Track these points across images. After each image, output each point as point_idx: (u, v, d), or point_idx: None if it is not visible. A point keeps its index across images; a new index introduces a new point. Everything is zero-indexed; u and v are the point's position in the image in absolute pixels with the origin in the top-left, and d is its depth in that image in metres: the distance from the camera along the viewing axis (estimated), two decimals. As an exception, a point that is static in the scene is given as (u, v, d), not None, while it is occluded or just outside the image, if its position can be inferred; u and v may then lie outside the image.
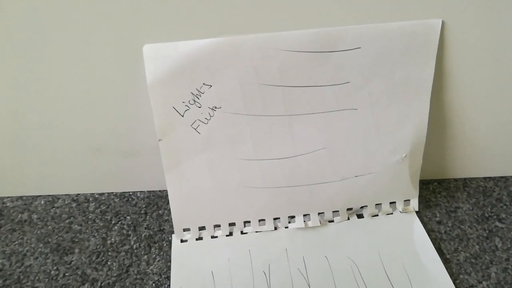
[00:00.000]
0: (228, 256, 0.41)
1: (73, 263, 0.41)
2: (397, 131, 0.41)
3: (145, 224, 0.45)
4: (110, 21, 0.35)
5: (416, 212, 0.44)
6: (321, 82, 0.38)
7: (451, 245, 0.41)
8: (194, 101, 0.38)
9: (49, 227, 0.45)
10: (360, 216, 0.44)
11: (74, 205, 0.47)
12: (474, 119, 0.43)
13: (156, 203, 0.47)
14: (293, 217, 0.43)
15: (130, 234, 0.44)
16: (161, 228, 0.44)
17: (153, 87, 0.37)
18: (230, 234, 0.43)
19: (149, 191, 0.49)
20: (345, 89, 0.39)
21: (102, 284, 0.39)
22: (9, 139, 0.43)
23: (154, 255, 0.41)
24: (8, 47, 0.37)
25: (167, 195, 0.41)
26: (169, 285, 0.39)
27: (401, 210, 0.44)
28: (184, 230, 0.43)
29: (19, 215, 0.46)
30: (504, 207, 0.45)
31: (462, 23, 0.37)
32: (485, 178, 0.49)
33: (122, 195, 0.48)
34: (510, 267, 0.39)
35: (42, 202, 0.48)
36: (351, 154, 0.41)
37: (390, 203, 0.44)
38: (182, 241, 0.42)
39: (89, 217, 0.46)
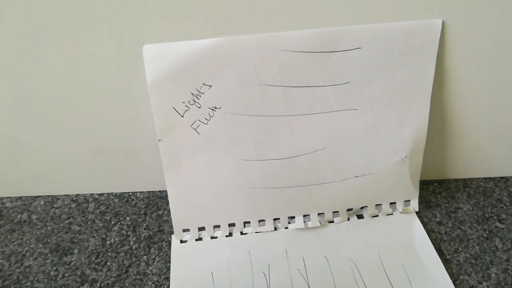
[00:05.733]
0: (227, 256, 0.41)
1: (72, 263, 0.41)
2: (397, 132, 0.41)
3: (145, 224, 0.45)
4: (110, 21, 0.35)
5: (416, 212, 0.44)
6: (322, 82, 0.38)
7: (451, 246, 0.41)
8: (194, 101, 0.38)
9: (49, 227, 0.45)
10: (360, 216, 0.44)
11: (73, 205, 0.47)
12: (475, 119, 0.43)
13: (155, 204, 0.47)
14: (293, 217, 0.43)
15: (130, 235, 0.44)
16: (161, 228, 0.44)
17: (153, 87, 0.37)
18: (230, 234, 0.43)
19: (148, 192, 0.49)
20: (346, 89, 0.38)
21: (102, 285, 0.39)
22: (8, 139, 0.43)
23: (153, 256, 0.41)
24: (8, 47, 0.36)
25: (167, 195, 0.41)
26: (168, 286, 0.38)
27: (401, 211, 0.44)
28: (184, 230, 0.42)
29: (19, 216, 0.46)
30: (505, 207, 0.45)
31: (462, 23, 0.37)
32: (485, 178, 0.48)
33: (121, 196, 0.48)
34: (510, 267, 0.39)
35: (42, 202, 0.48)
36: (351, 155, 0.41)
37: (390, 203, 0.44)
38: (181, 241, 0.42)
39: (89, 217, 0.46)
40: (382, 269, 0.39)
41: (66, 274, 0.40)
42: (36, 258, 0.42)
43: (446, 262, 0.40)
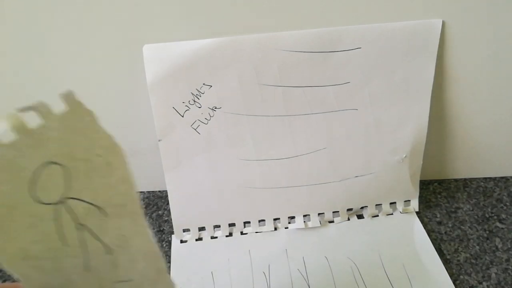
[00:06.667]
0: (228, 256, 0.41)
1: (72, 263, 0.41)
2: (397, 131, 0.41)
3: (145, 224, 0.45)
4: (110, 21, 0.35)
5: (416, 212, 0.44)
6: (322, 82, 0.38)
7: (451, 246, 0.41)
8: (194, 101, 0.38)
9: (49, 227, 0.45)
10: (360, 216, 0.44)
11: (73, 205, 0.47)
12: (474, 119, 0.43)
13: (155, 204, 0.47)
14: (293, 217, 0.43)
15: (130, 235, 0.43)
16: (161, 228, 0.44)
17: (153, 87, 0.37)
18: (230, 234, 0.43)
19: (148, 192, 0.48)
20: (346, 89, 0.38)
21: (102, 285, 0.39)
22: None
23: (153, 256, 0.41)
24: (8, 46, 0.36)
25: (167, 195, 0.41)
26: (168, 286, 0.38)
27: (401, 211, 0.44)
28: (184, 230, 0.42)
29: (19, 216, 0.46)
30: (505, 207, 0.45)
31: (462, 23, 0.37)
32: (485, 178, 0.48)
33: (121, 196, 0.48)
34: (510, 267, 0.39)
35: (42, 202, 0.48)
36: (351, 155, 0.41)
37: (390, 203, 0.44)
38: (181, 241, 0.42)
39: (89, 217, 0.46)
40: (382, 269, 0.39)
41: (66, 274, 0.40)
42: (36, 258, 0.42)
43: (446, 262, 0.40)
